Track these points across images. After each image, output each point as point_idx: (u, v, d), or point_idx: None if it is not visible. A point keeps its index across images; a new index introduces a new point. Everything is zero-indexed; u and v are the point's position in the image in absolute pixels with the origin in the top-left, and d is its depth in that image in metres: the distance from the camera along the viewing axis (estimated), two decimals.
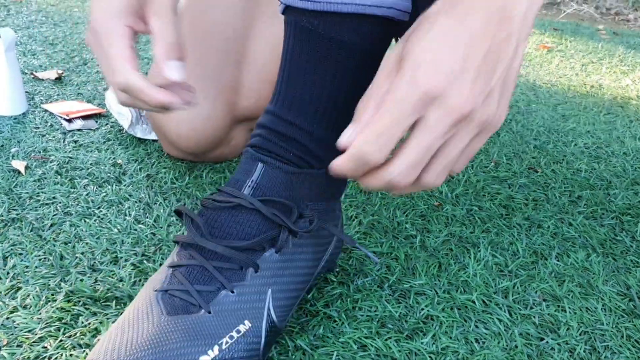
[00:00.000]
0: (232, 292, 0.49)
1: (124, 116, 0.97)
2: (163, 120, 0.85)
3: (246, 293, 0.49)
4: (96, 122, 1.05)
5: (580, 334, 0.60)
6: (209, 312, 0.47)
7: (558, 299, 0.66)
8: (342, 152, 0.44)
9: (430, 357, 0.55)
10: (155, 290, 0.49)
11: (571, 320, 0.62)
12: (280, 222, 0.52)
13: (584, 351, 0.58)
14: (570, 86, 1.59)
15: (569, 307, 0.64)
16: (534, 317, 0.62)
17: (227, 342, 0.47)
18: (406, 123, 0.40)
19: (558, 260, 0.73)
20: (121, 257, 0.67)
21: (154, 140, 0.98)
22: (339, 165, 0.43)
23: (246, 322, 0.48)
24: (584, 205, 0.89)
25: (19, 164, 0.85)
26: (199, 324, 0.47)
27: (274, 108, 0.56)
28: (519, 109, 1.34)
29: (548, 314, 0.63)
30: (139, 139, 0.99)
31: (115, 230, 0.72)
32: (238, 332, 0.48)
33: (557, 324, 0.62)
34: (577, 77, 1.70)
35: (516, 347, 0.58)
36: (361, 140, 0.41)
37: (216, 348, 0.46)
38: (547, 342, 0.59)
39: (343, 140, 0.43)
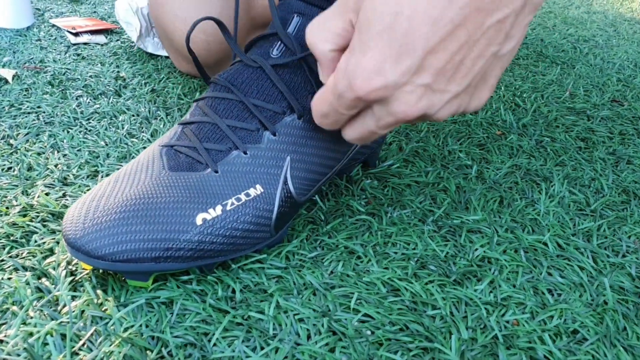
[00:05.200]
0: (245, 153, 0.44)
1: (132, 26, 0.84)
2: (170, 25, 0.71)
3: (261, 157, 0.44)
4: (106, 37, 0.92)
5: None
6: (216, 172, 0.43)
7: None
8: None
9: (486, 308, 0.41)
10: (161, 146, 0.45)
11: None
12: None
13: None
14: None
15: None
16: (629, 266, 0.47)
17: (232, 204, 0.42)
18: (348, 115, 0.38)
19: None
20: (102, 172, 0.54)
21: (166, 57, 0.85)
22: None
23: (258, 186, 0.43)
24: None
25: (6, 72, 0.73)
26: (203, 182, 0.42)
27: None
28: (597, 43, 1.15)
29: None
30: (150, 54, 0.86)
31: (102, 143, 0.59)
32: (247, 195, 0.43)
33: None
34: None
35: (605, 303, 0.42)
36: (314, 112, 0.40)
37: (219, 208, 0.41)
38: None
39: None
